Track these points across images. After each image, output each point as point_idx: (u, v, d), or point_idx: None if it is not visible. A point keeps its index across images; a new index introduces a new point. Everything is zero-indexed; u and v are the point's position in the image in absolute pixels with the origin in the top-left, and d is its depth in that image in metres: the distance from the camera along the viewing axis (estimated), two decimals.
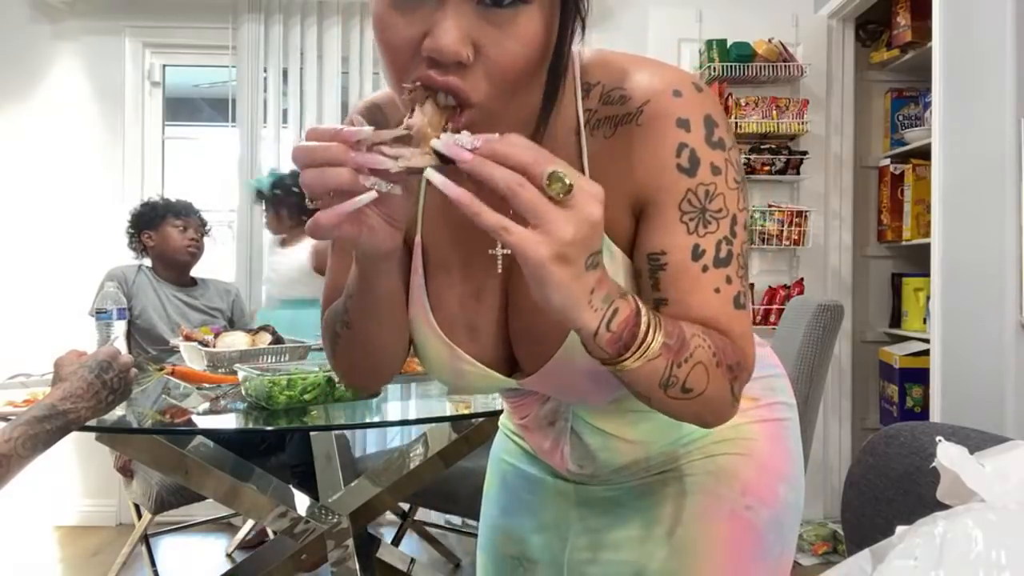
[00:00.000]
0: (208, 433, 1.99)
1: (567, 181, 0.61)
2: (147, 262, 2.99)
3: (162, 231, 2.95)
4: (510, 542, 1.07)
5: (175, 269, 2.97)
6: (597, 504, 0.99)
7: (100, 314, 2.21)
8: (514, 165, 0.61)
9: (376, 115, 0.88)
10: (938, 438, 0.88)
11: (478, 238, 0.77)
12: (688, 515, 0.93)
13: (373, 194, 0.64)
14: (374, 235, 0.71)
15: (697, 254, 0.78)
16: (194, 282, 3.07)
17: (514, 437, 1.10)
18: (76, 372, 1.25)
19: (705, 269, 0.78)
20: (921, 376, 3.04)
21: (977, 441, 1.00)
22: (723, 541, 0.92)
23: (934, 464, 0.86)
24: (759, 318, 3.33)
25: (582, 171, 0.79)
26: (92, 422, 1.61)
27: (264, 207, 3.20)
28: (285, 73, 3.49)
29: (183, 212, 2.98)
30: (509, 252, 0.76)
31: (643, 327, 0.69)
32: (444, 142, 0.62)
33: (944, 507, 0.82)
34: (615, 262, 0.81)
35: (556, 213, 0.61)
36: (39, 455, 1.17)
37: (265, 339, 2.20)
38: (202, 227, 3.05)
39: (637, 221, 0.81)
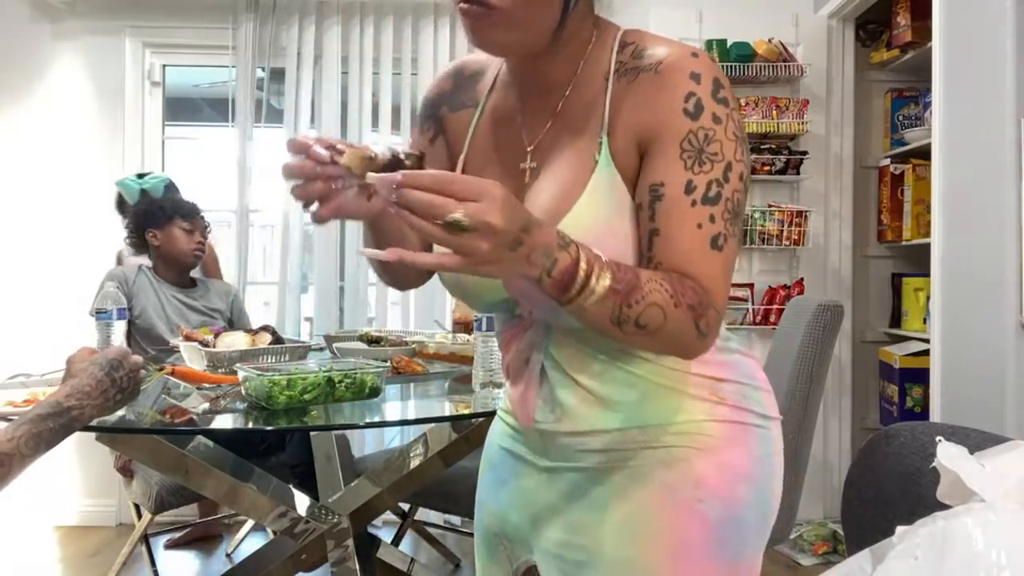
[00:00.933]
0: (208, 433, 1.99)
1: (463, 223, 0.74)
2: (146, 261, 2.98)
3: (168, 231, 2.91)
4: (493, 520, 1.12)
5: (177, 270, 2.95)
6: (563, 486, 1.03)
7: (100, 314, 2.21)
8: (422, 212, 0.75)
9: (458, 78, 1.10)
10: (938, 438, 0.89)
11: (510, 161, 1.00)
12: (640, 504, 0.97)
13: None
14: (355, 212, 0.95)
15: (689, 189, 0.88)
16: (193, 283, 3.07)
17: (504, 416, 1.14)
18: (86, 369, 1.24)
19: (693, 204, 0.88)
20: (921, 376, 3.04)
21: (977, 441, 1.00)
22: (672, 530, 0.95)
23: (934, 464, 0.86)
24: (759, 318, 3.33)
25: (604, 109, 0.94)
26: (93, 422, 1.62)
27: (124, 216, 3.06)
28: (284, 73, 3.50)
29: (190, 214, 2.95)
30: (534, 166, 0.99)
31: (582, 274, 0.81)
32: (375, 178, 0.79)
33: (944, 507, 0.82)
34: (614, 194, 0.93)
35: (460, 241, 0.75)
36: (42, 455, 1.16)
37: (265, 339, 2.20)
38: (205, 229, 3.04)
39: (641, 159, 0.92)
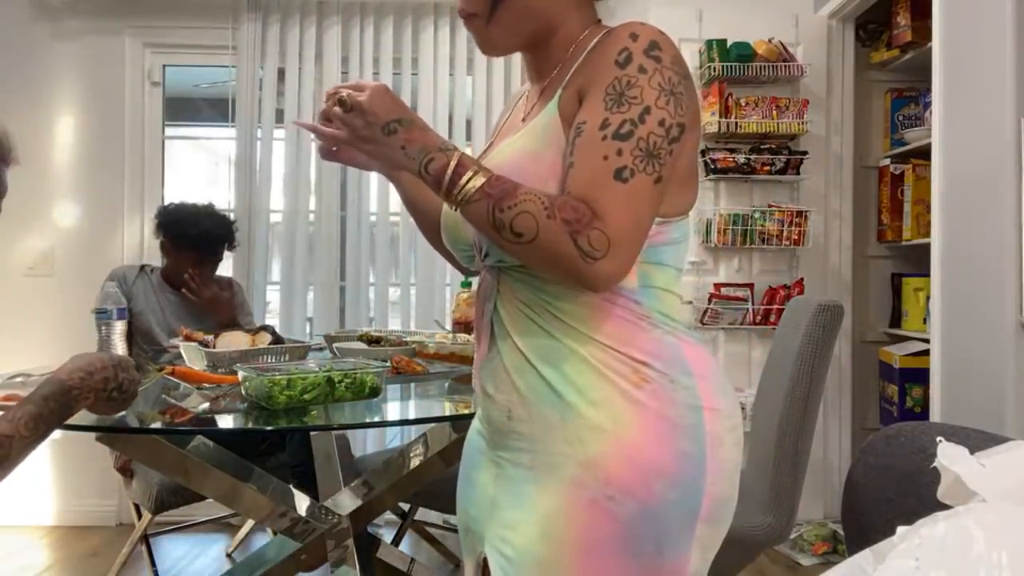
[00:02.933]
0: (208, 433, 1.99)
1: (344, 100, 0.99)
2: (151, 262, 2.98)
3: (177, 250, 2.88)
4: (461, 513, 1.18)
5: (177, 282, 2.94)
6: (503, 481, 1.07)
7: (100, 314, 2.21)
8: (328, 98, 1.03)
9: None
10: (939, 438, 0.88)
11: (508, 135, 1.13)
12: (555, 501, 0.99)
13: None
14: (362, 164, 1.20)
15: (604, 125, 0.95)
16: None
17: (476, 405, 1.18)
18: (92, 355, 1.23)
19: (604, 138, 0.94)
20: (921, 376, 3.04)
21: (977, 441, 1.00)
22: (583, 530, 0.96)
23: (934, 464, 0.86)
24: (759, 318, 3.33)
25: (568, 73, 1.05)
26: (92, 422, 1.62)
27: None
28: (284, 73, 3.49)
29: (200, 251, 2.87)
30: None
31: (451, 172, 0.95)
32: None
33: (945, 507, 0.82)
34: (547, 131, 1.03)
35: (343, 117, 1.00)
36: (42, 439, 1.14)
37: (265, 339, 2.20)
38: (220, 260, 2.98)
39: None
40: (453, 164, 0.95)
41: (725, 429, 1.02)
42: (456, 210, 0.97)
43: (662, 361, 1.00)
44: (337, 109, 1.00)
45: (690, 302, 3.34)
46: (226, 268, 3.48)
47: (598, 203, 0.93)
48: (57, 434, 2.81)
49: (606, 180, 0.93)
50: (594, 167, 0.94)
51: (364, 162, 1.18)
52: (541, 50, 1.11)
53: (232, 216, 3.11)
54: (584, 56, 1.04)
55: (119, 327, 2.28)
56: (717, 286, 3.34)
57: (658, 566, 0.96)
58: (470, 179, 0.95)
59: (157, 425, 1.72)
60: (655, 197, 0.96)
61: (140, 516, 2.68)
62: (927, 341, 2.60)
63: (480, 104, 3.51)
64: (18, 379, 1.92)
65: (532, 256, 0.94)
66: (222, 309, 2.87)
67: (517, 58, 3.49)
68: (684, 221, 1.06)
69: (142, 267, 2.96)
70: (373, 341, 2.30)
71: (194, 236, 2.85)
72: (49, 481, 3.50)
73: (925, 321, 3.03)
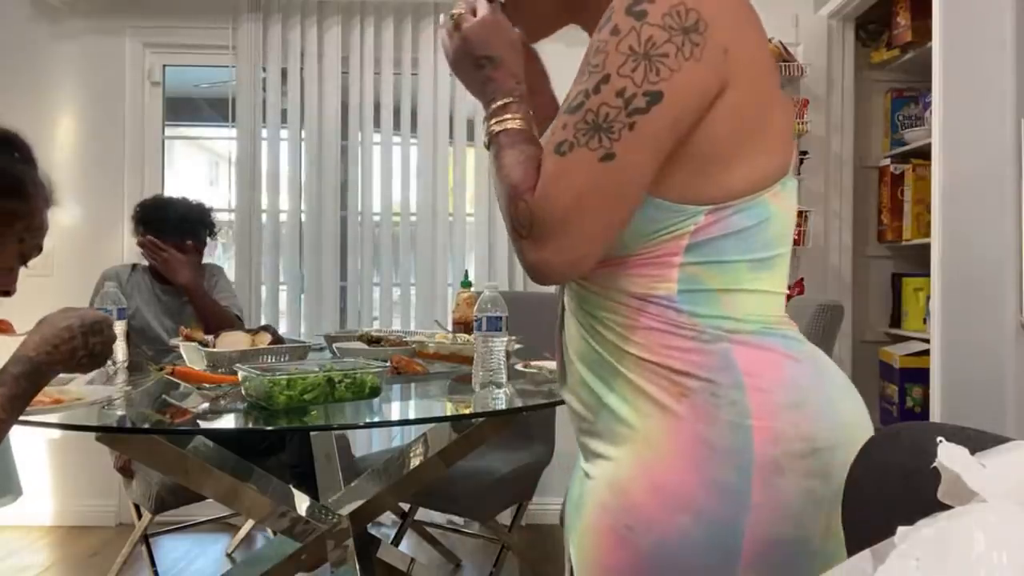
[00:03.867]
0: (208, 433, 1.98)
1: (453, 16, 0.98)
2: (143, 261, 2.97)
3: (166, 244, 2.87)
4: (565, 505, 1.08)
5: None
6: (577, 488, 0.99)
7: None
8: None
9: None
10: (939, 438, 0.88)
11: None
12: (587, 523, 0.92)
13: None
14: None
15: (567, 99, 0.87)
16: None
17: None
18: (54, 322, 1.20)
19: (560, 113, 0.86)
20: (921, 376, 3.04)
21: (980, 442, 1.00)
22: (602, 555, 0.88)
23: (934, 464, 0.86)
24: None
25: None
26: (92, 422, 1.62)
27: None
28: (285, 73, 3.49)
29: (191, 236, 2.90)
30: None
31: (495, 110, 0.93)
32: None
33: (946, 508, 0.82)
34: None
35: (452, 35, 0.98)
36: (18, 417, 1.13)
37: (265, 339, 2.20)
38: (201, 244, 2.97)
39: None
40: (500, 103, 0.93)
41: (789, 455, 0.84)
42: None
43: (706, 370, 0.86)
44: (449, 24, 0.98)
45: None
46: (228, 268, 3.48)
47: (541, 177, 0.85)
48: (56, 434, 2.80)
49: (548, 152, 0.85)
50: (545, 143, 0.87)
51: None
52: (587, 13, 0.98)
53: (207, 205, 3.06)
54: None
55: (119, 327, 2.28)
56: None
57: None
58: (497, 122, 0.93)
59: (157, 425, 1.72)
60: (604, 177, 0.82)
61: (140, 516, 2.68)
62: (927, 341, 2.60)
63: (480, 104, 3.50)
64: None
65: (496, 179, 0.92)
66: (179, 268, 2.85)
67: None
68: (753, 201, 0.88)
69: (133, 266, 2.96)
70: (373, 341, 2.29)
71: (171, 220, 2.87)
72: (48, 481, 3.50)
73: (925, 321, 3.02)
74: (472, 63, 0.96)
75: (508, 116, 0.92)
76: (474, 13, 0.97)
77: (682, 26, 0.81)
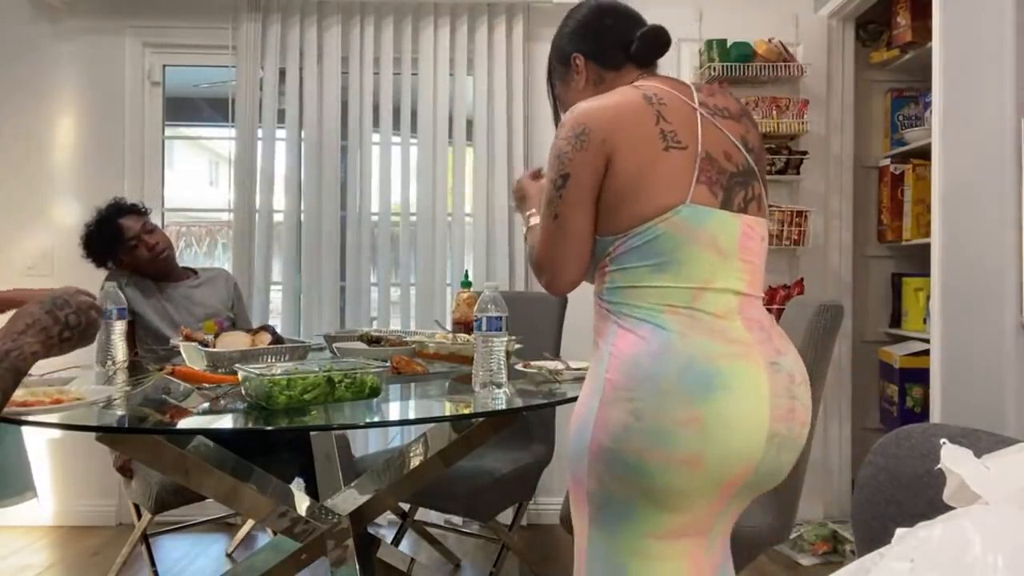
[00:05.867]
0: (208, 433, 1.99)
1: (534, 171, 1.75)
2: None
3: (128, 252, 2.86)
4: None
5: (162, 269, 2.93)
6: None
7: (100, 314, 2.20)
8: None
9: None
10: (942, 440, 0.88)
11: None
12: None
13: None
14: None
15: None
16: (192, 273, 3.05)
17: None
18: (24, 310, 1.20)
19: None
20: (921, 376, 3.04)
21: (988, 443, 1.00)
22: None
23: (939, 466, 0.86)
24: None
25: None
26: (92, 422, 1.62)
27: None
28: (284, 73, 3.49)
29: (131, 219, 2.87)
30: None
31: (526, 221, 1.63)
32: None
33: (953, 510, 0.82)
34: None
35: (522, 181, 1.74)
36: (1, 411, 1.12)
37: (265, 339, 2.20)
38: (148, 215, 2.94)
39: None
40: (525, 220, 1.65)
41: (618, 398, 1.31)
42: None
43: (605, 342, 1.38)
44: (526, 173, 1.76)
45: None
46: (228, 268, 3.48)
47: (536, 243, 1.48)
48: (56, 433, 2.80)
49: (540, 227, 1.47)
50: None
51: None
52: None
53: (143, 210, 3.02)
54: None
55: (119, 327, 2.29)
56: None
57: (571, 473, 1.39)
58: (529, 220, 1.63)
59: (157, 425, 1.72)
60: (557, 231, 1.40)
61: (140, 516, 2.68)
62: (927, 341, 2.60)
63: (480, 104, 3.51)
64: None
65: (531, 243, 1.54)
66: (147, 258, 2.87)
67: (518, 59, 3.49)
68: (642, 228, 1.34)
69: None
70: (373, 341, 2.30)
71: (107, 229, 2.86)
72: (49, 481, 3.50)
73: (925, 321, 3.03)
74: (517, 202, 1.73)
75: (532, 219, 1.61)
76: (533, 176, 1.72)
77: (575, 133, 1.38)
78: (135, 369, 2.26)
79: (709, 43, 3.31)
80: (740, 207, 1.39)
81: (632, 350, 1.32)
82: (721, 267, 1.35)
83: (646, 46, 1.51)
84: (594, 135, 1.35)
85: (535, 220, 1.57)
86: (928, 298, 2.64)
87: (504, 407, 1.80)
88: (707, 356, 1.30)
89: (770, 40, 3.31)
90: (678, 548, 1.34)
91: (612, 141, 1.35)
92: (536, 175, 1.70)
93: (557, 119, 1.58)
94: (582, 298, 2.54)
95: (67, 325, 1.21)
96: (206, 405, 1.74)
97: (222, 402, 1.74)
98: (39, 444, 3.44)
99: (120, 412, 1.75)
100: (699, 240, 1.33)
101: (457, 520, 3.37)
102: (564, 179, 1.37)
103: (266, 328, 2.28)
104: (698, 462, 1.27)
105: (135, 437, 1.77)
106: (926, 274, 2.58)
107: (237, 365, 1.81)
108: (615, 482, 1.32)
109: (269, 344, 2.18)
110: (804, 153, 3.38)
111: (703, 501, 1.31)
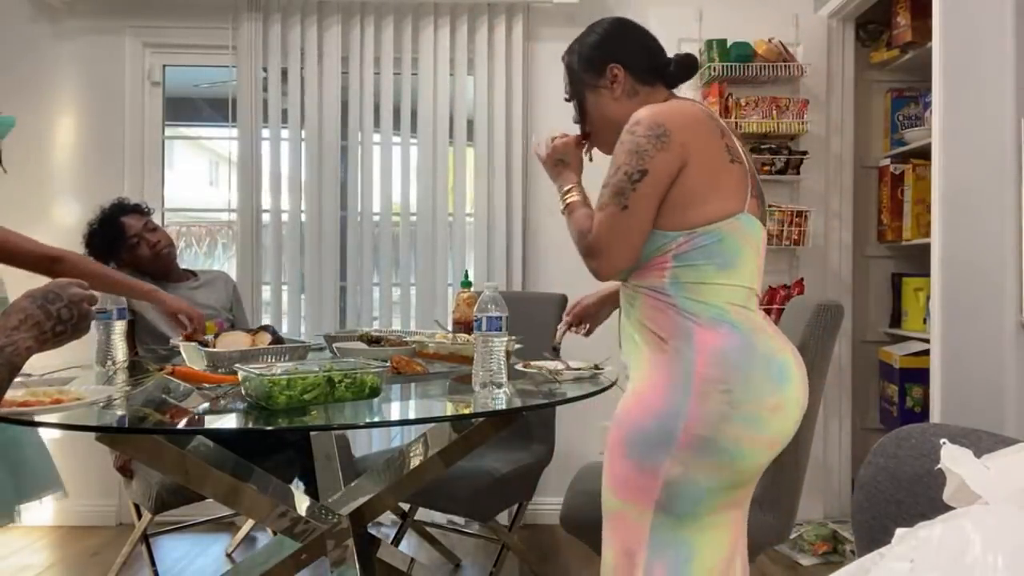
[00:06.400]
0: (208, 433, 1.99)
1: (557, 138, 1.74)
2: None
3: (129, 251, 2.87)
4: None
5: (163, 269, 2.93)
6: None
7: (100, 314, 2.21)
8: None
9: None
10: (942, 440, 0.88)
11: None
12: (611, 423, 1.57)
13: None
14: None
15: (605, 182, 1.54)
16: (191, 275, 3.05)
17: None
18: (15, 305, 1.19)
19: (601, 187, 1.53)
20: (921, 376, 3.04)
21: (988, 443, 0.99)
22: (611, 440, 1.53)
23: (939, 466, 0.86)
24: None
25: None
26: (92, 422, 1.62)
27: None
28: (285, 73, 3.49)
29: (133, 217, 2.89)
30: None
31: (564, 192, 1.67)
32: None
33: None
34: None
35: (549, 143, 1.74)
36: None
37: (265, 339, 2.20)
38: (150, 215, 2.97)
39: None
40: (566, 187, 1.67)
41: (713, 390, 1.43)
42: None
43: (675, 339, 1.48)
44: (549, 140, 1.73)
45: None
46: (227, 268, 3.48)
47: (594, 223, 1.52)
48: (56, 433, 2.80)
49: (598, 210, 1.52)
50: (597, 206, 1.54)
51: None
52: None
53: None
54: None
55: (119, 327, 2.28)
56: None
57: (639, 463, 1.47)
58: (569, 197, 1.65)
59: (157, 425, 1.72)
60: (625, 220, 1.47)
61: (140, 516, 2.68)
62: (927, 341, 2.60)
63: (480, 104, 3.51)
64: (17, 379, 1.92)
65: (571, 226, 1.60)
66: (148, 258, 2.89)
67: (517, 59, 3.49)
68: (709, 229, 1.47)
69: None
70: (373, 341, 2.29)
71: (109, 227, 2.88)
72: None
73: (925, 321, 3.03)
74: (553, 162, 1.72)
75: (572, 195, 1.64)
76: (578, 143, 1.72)
77: (657, 134, 1.47)
78: (135, 369, 2.26)
79: (709, 43, 3.31)
80: (762, 219, 1.56)
81: (720, 344, 1.45)
82: (758, 272, 1.56)
83: (682, 70, 1.67)
84: (675, 137, 1.46)
85: (574, 197, 1.62)
86: (928, 298, 2.64)
87: (504, 407, 1.80)
88: (774, 349, 1.50)
89: (770, 40, 3.31)
90: (728, 518, 1.52)
91: (690, 146, 1.47)
92: (579, 142, 1.72)
93: (583, 122, 1.72)
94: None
95: (59, 319, 1.21)
96: (206, 405, 1.74)
97: (222, 402, 1.74)
98: None
99: (120, 412, 1.75)
100: (750, 246, 1.51)
101: (457, 520, 3.37)
102: (642, 174, 1.45)
103: (266, 328, 2.28)
104: (776, 442, 1.48)
105: (135, 437, 1.77)
106: (926, 274, 2.58)
107: (237, 365, 1.81)
108: (704, 467, 1.44)
109: (269, 344, 2.18)
110: (804, 153, 3.38)
111: (760, 475, 1.53)
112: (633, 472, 1.47)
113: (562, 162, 1.69)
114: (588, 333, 2.04)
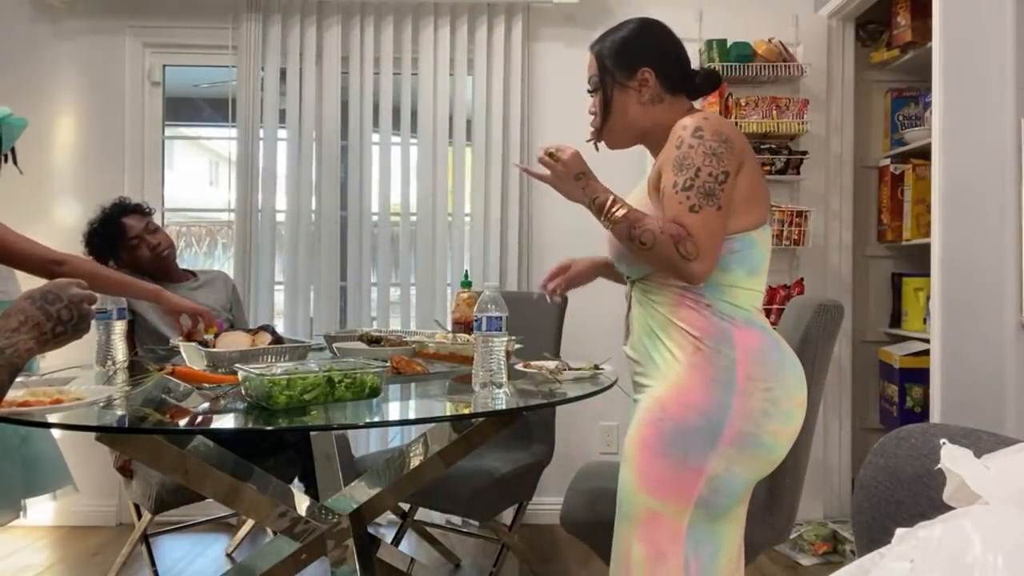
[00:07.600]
0: (208, 433, 1.99)
1: (555, 153, 1.60)
2: None
3: (129, 252, 2.88)
4: None
5: (162, 269, 2.93)
6: (632, 405, 1.68)
7: (100, 314, 2.21)
8: (543, 151, 1.63)
9: None
10: (942, 440, 0.88)
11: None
12: (637, 419, 1.60)
13: None
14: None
15: (674, 185, 1.53)
16: (191, 275, 3.05)
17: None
18: (15, 306, 1.19)
19: (676, 192, 1.52)
20: (921, 376, 3.04)
21: (988, 443, 0.99)
22: (642, 436, 1.56)
23: (939, 466, 0.86)
24: None
25: (659, 155, 1.65)
26: (92, 422, 1.62)
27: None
28: (285, 73, 3.49)
29: (134, 218, 2.89)
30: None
31: (608, 205, 1.56)
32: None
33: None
34: (636, 191, 1.72)
35: (550, 164, 1.61)
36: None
37: (265, 339, 2.20)
38: (151, 216, 2.97)
39: (660, 177, 1.60)
40: (610, 200, 1.56)
41: (756, 388, 1.51)
42: (608, 228, 1.58)
43: (712, 339, 1.54)
44: (547, 158, 1.60)
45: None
46: (227, 268, 3.48)
47: (686, 226, 1.48)
48: (57, 433, 2.80)
49: (685, 212, 1.49)
50: (676, 209, 1.51)
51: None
52: (649, 141, 1.72)
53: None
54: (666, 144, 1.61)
55: (119, 327, 2.28)
56: None
57: (682, 460, 1.51)
58: (617, 210, 1.55)
59: (157, 425, 1.71)
60: (720, 219, 1.50)
61: (140, 516, 2.68)
62: (927, 341, 2.60)
63: (480, 104, 3.50)
64: (18, 379, 1.92)
65: (651, 258, 1.53)
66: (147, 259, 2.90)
67: (516, 59, 3.49)
68: (744, 236, 1.56)
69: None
70: (373, 341, 2.29)
71: (110, 227, 2.88)
72: None
73: (925, 321, 3.02)
74: (573, 177, 1.60)
75: (618, 206, 1.55)
76: (560, 150, 1.60)
77: (722, 138, 1.53)
78: (135, 369, 2.26)
79: (709, 43, 3.31)
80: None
81: (759, 345, 1.55)
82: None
83: (707, 83, 1.73)
84: (735, 144, 1.54)
85: (624, 208, 1.54)
86: (928, 298, 2.64)
87: (504, 407, 1.80)
88: (792, 351, 1.62)
89: (770, 40, 3.31)
90: (744, 509, 1.61)
91: (743, 155, 1.56)
92: (593, 140, 1.75)
93: (605, 117, 1.70)
94: (582, 297, 2.55)
95: (59, 320, 1.21)
96: (206, 405, 1.74)
97: (222, 402, 1.74)
98: None
99: (120, 412, 1.74)
100: (767, 255, 1.62)
101: (457, 520, 3.37)
102: (726, 176, 1.51)
103: (266, 328, 2.28)
104: (796, 435, 1.59)
105: (135, 437, 1.77)
106: (926, 274, 2.57)
107: (237, 365, 1.81)
108: (745, 461, 1.52)
109: (269, 344, 2.18)
110: (804, 153, 3.38)
111: None
112: (671, 471, 1.51)
113: (583, 175, 1.59)
114: (562, 295, 2.07)
